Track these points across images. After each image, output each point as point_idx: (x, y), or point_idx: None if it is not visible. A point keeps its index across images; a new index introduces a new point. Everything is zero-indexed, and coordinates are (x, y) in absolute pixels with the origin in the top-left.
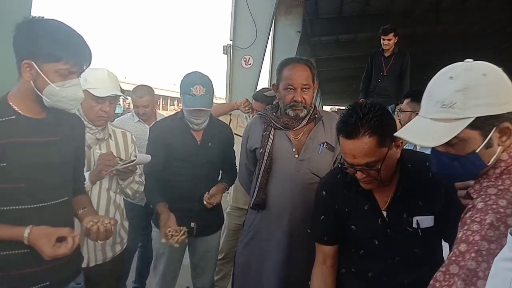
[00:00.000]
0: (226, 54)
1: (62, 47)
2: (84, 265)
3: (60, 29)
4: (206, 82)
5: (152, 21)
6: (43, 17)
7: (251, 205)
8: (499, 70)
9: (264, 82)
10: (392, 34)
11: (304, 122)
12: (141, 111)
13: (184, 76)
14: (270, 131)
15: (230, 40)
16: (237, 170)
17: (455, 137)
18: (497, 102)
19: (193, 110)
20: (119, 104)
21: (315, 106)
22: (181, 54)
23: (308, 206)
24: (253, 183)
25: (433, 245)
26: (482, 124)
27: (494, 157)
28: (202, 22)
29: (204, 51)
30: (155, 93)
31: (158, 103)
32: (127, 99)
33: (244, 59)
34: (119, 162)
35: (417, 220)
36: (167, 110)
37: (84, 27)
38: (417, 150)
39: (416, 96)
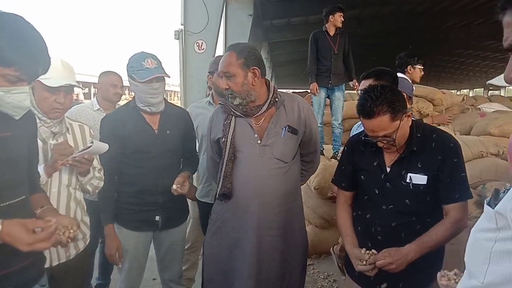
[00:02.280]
0: (178, 39)
1: (16, 54)
2: (47, 264)
3: (19, 31)
4: (155, 57)
5: (96, 10)
6: (3, 12)
7: (217, 196)
8: None
9: None
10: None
11: (265, 107)
12: (113, 91)
13: (130, 57)
14: (231, 119)
15: (182, 24)
16: (199, 159)
17: None
18: None
19: (149, 82)
20: None
21: (275, 89)
22: (131, 41)
23: (275, 191)
24: (218, 174)
25: (423, 200)
26: None
27: None
28: (151, 7)
29: (154, 36)
30: None
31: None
32: (76, 89)
33: (197, 44)
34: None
35: (410, 176)
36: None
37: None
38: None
39: (380, 76)
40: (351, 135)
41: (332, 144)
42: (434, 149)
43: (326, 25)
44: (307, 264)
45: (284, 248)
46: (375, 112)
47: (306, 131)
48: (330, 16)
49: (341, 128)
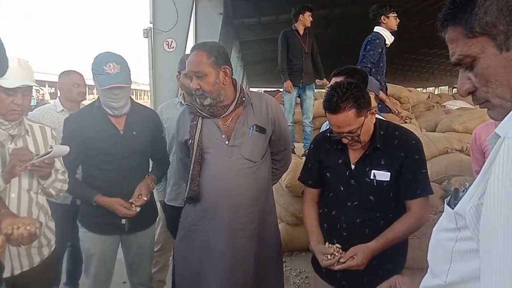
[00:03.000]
0: (147, 37)
1: None
2: (7, 273)
3: None
4: (119, 60)
5: (66, 6)
6: None
7: (185, 199)
8: None
9: None
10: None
11: (232, 107)
12: (76, 91)
13: (95, 58)
14: (198, 120)
15: (150, 23)
16: (169, 161)
17: None
18: None
19: (109, 89)
20: (33, 96)
21: (242, 88)
22: (100, 38)
23: (245, 192)
24: (187, 176)
25: (386, 196)
26: None
27: None
28: (121, 4)
29: (124, 34)
30: None
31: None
32: (41, 89)
33: (167, 42)
34: (35, 157)
35: (374, 173)
36: (86, 99)
37: None
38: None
39: (352, 74)
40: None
41: (303, 142)
42: (397, 146)
43: (296, 24)
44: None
45: (258, 249)
46: (341, 108)
47: (275, 130)
48: (300, 15)
49: (311, 127)
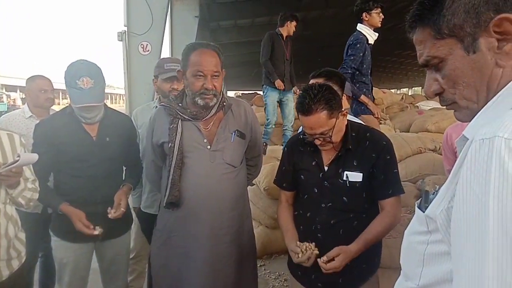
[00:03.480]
0: (121, 41)
1: None
2: None
3: None
4: (93, 72)
5: (42, 9)
6: None
7: (164, 204)
8: None
9: None
10: None
11: (214, 111)
12: (44, 96)
13: (68, 66)
14: (178, 123)
15: (125, 26)
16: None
17: None
18: None
19: (82, 107)
20: (3, 101)
21: (223, 94)
22: (74, 41)
23: (227, 197)
24: (163, 180)
25: (359, 196)
26: None
27: None
28: (94, 8)
29: (99, 37)
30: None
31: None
32: (7, 94)
33: (142, 46)
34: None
35: (346, 174)
36: (59, 104)
37: None
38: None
39: (330, 76)
40: None
41: (282, 145)
42: (368, 147)
43: (281, 29)
44: (259, 265)
45: (237, 254)
46: (313, 109)
47: (252, 136)
48: (288, 22)
49: (291, 130)
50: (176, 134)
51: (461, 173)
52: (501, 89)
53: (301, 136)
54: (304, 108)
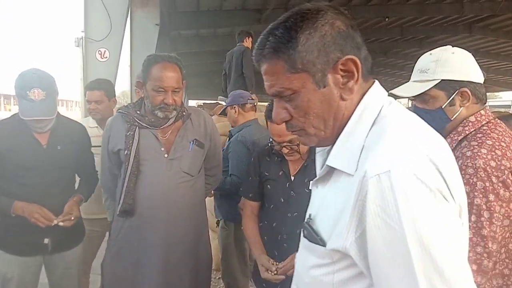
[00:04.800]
0: (78, 46)
1: None
2: None
3: None
4: (46, 83)
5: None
6: None
7: (118, 213)
8: (467, 53)
9: (123, 76)
10: None
11: (172, 120)
12: None
13: (19, 76)
14: (135, 130)
15: (82, 31)
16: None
17: (427, 94)
18: (459, 72)
19: (31, 120)
20: None
21: (182, 103)
22: (30, 46)
23: (183, 205)
24: (118, 188)
25: None
26: (446, 86)
27: (457, 114)
28: (51, 12)
29: (55, 42)
30: None
31: None
32: None
33: (99, 52)
34: None
35: None
36: (10, 110)
37: None
38: None
39: None
40: None
41: None
42: None
43: (245, 44)
44: (217, 277)
45: (192, 264)
46: None
47: (211, 145)
48: (246, 38)
49: None
50: (132, 142)
51: (368, 208)
52: (346, 119)
53: (269, 145)
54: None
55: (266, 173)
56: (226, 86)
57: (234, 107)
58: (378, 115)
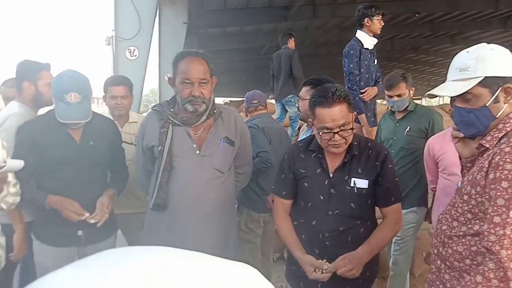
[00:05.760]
0: (109, 45)
1: None
2: None
3: None
4: (82, 86)
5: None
6: None
7: (151, 206)
8: (505, 49)
9: (152, 74)
10: None
11: (204, 117)
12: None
13: (56, 78)
14: (168, 127)
15: (113, 30)
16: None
17: (469, 92)
18: (502, 68)
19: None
20: None
21: (213, 101)
22: (63, 45)
23: (213, 201)
24: (152, 183)
25: (365, 203)
26: (490, 83)
27: (501, 111)
28: (82, 12)
29: (86, 41)
30: None
31: None
32: None
33: (129, 50)
34: None
35: (354, 181)
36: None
37: None
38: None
39: (315, 84)
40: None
41: None
42: (371, 156)
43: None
44: None
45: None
46: (335, 101)
47: (241, 144)
48: (289, 39)
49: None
50: (166, 138)
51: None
52: None
53: (320, 133)
54: (327, 100)
55: (302, 171)
56: (273, 86)
57: (243, 108)
58: None
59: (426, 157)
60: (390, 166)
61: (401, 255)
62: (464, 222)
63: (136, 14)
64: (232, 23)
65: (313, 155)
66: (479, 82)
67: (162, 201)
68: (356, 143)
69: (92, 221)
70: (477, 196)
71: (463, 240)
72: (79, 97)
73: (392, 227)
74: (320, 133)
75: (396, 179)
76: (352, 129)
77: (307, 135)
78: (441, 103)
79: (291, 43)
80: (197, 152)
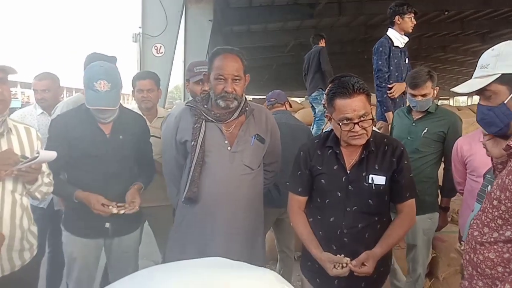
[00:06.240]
0: (136, 42)
1: None
2: None
3: None
4: (111, 76)
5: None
6: None
7: (183, 199)
8: None
9: (178, 71)
10: None
11: (236, 114)
12: (39, 96)
13: (87, 67)
14: (202, 123)
15: (140, 28)
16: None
17: (488, 90)
18: None
19: (96, 109)
20: (17, 98)
21: (245, 98)
22: (89, 41)
23: (243, 197)
24: (184, 177)
25: (382, 199)
26: (508, 80)
27: None
28: (110, 9)
29: (113, 38)
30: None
31: (62, 96)
32: (24, 92)
33: (155, 47)
34: (21, 159)
35: (372, 177)
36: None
37: None
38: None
39: None
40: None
41: None
42: (387, 152)
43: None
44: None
45: (249, 255)
46: (356, 91)
47: (270, 141)
48: (321, 40)
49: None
50: (199, 134)
51: None
52: None
53: (340, 124)
54: (348, 91)
55: (318, 167)
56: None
57: (265, 106)
58: None
59: (454, 157)
60: (406, 162)
61: (418, 262)
62: (495, 228)
63: (163, 11)
64: (256, 20)
65: (329, 151)
66: (496, 79)
67: (193, 195)
68: (372, 139)
69: (122, 211)
70: (506, 201)
71: (495, 246)
72: (108, 85)
73: (408, 223)
74: (340, 124)
75: (411, 175)
76: (372, 119)
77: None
78: (469, 103)
79: (322, 44)
80: (229, 148)
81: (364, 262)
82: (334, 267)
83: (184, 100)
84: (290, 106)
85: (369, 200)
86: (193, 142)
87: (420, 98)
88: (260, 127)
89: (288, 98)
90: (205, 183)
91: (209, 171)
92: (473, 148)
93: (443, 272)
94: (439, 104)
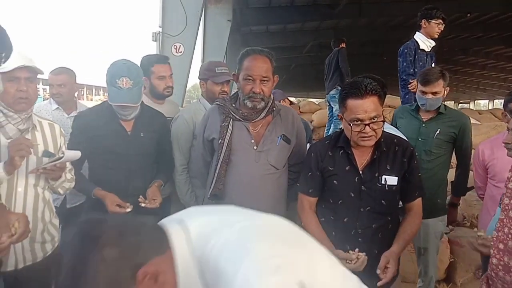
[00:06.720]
0: (155, 41)
1: None
2: (11, 267)
3: None
4: (134, 73)
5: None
6: None
7: (209, 196)
8: None
9: (196, 71)
10: None
11: (263, 114)
12: (54, 90)
13: (111, 65)
14: (229, 122)
15: (159, 27)
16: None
17: None
18: None
19: (118, 105)
20: (39, 95)
21: (273, 99)
22: (109, 40)
23: (267, 196)
24: (210, 174)
25: (394, 199)
26: None
27: None
28: (130, 8)
29: (132, 37)
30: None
31: (82, 93)
32: (45, 89)
33: (175, 47)
34: (44, 156)
35: (385, 178)
36: (92, 100)
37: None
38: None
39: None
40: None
41: None
42: (398, 152)
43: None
44: None
45: None
46: (368, 93)
47: (297, 142)
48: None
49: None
50: (226, 132)
51: None
52: None
53: (351, 125)
54: (360, 91)
55: (330, 168)
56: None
57: None
58: None
59: (476, 162)
60: (416, 162)
61: (429, 266)
62: None
63: (183, 11)
64: (275, 21)
65: (341, 152)
66: None
67: (219, 191)
68: (382, 140)
69: (143, 205)
70: None
71: None
72: (130, 82)
73: (419, 221)
74: (351, 125)
75: (420, 174)
76: (383, 121)
77: None
78: (490, 107)
79: (342, 46)
80: (255, 147)
81: (386, 265)
82: (348, 263)
83: (183, 101)
84: (291, 103)
85: (382, 201)
86: (220, 140)
87: (430, 96)
88: (286, 127)
89: (295, 97)
90: (230, 181)
91: (234, 169)
92: (495, 153)
93: (460, 277)
94: (459, 107)
